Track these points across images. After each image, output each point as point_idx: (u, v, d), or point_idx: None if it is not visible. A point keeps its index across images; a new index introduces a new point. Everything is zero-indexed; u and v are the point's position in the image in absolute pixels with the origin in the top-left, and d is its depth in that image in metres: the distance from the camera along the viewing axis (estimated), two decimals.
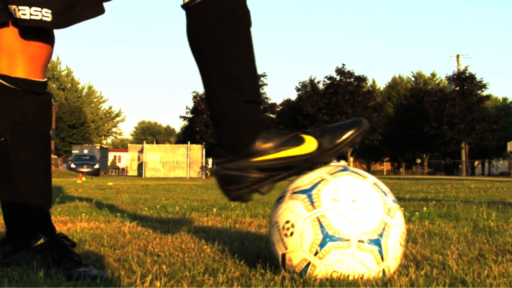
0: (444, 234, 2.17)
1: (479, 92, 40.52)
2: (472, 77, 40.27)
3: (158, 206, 4.14)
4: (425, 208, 3.87)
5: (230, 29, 1.32)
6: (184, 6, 1.34)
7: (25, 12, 1.32)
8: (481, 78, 40.40)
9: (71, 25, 1.41)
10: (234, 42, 1.32)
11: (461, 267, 1.37)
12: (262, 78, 38.80)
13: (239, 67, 1.33)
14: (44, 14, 1.33)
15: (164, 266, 1.43)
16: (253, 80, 1.36)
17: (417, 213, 3.35)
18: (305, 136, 1.32)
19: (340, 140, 1.32)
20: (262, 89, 39.21)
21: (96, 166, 34.67)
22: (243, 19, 1.35)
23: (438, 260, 1.52)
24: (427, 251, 1.71)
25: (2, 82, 1.42)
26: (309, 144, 1.31)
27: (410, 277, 1.25)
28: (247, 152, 1.30)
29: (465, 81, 40.18)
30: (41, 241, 1.46)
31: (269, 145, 1.30)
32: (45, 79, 1.50)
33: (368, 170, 52.87)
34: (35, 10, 1.32)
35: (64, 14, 1.36)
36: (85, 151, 42.00)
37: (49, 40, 1.48)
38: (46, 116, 1.50)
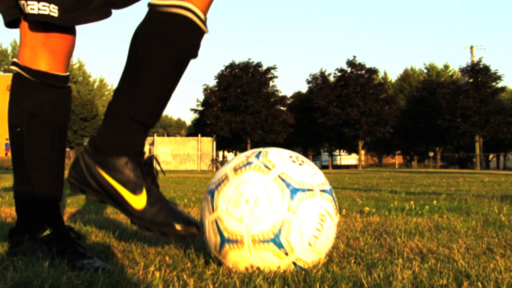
0: (453, 228, 2.14)
1: (494, 84, 39.91)
2: (486, 68, 39.64)
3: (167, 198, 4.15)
4: (435, 201, 3.84)
5: (171, 57, 1.32)
6: (151, 5, 1.32)
7: (33, 7, 1.35)
8: (496, 70, 39.73)
9: (76, 25, 1.44)
10: (165, 69, 1.33)
11: (466, 260, 1.35)
12: (272, 71, 38.73)
13: (150, 90, 1.34)
14: (52, 10, 1.35)
15: (167, 258, 1.43)
16: (156, 109, 1.36)
17: (427, 206, 3.32)
18: (143, 192, 1.34)
19: (159, 221, 1.31)
20: (273, 81, 39.11)
21: None
22: (185, 59, 1.35)
23: (444, 254, 1.50)
24: (434, 245, 1.68)
25: (23, 73, 1.45)
26: (140, 200, 1.34)
27: (413, 270, 1.24)
28: (102, 160, 1.35)
29: (479, 73, 39.59)
30: (47, 232, 1.48)
31: (117, 172, 1.34)
32: (66, 73, 1.52)
33: (380, 163, 52.59)
34: (43, 5, 1.35)
35: (71, 12, 1.37)
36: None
37: (71, 34, 1.49)
38: (63, 110, 1.52)
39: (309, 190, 1.26)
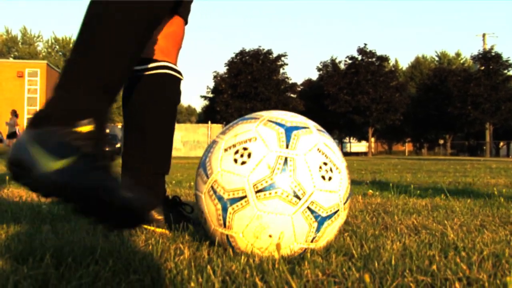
0: (450, 208, 2.17)
1: (505, 71, 39.48)
2: (498, 56, 39.20)
3: (173, 182, 4.21)
4: (439, 185, 3.86)
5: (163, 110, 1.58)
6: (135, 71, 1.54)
7: None
8: (508, 57, 39.30)
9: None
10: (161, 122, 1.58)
11: (456, 234, 1.38)
12: (282, 58, 38.58)
13: (159, 144, 1.58)
14: None
15: (167, 231, 1.48)
16: (168, 155, 1.61)
17: (430, 190, 3.34)
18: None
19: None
20: (283, 69, 38.96)
21: (118, 145, 35.13)
22: (175, 107, 1.61)
23: (437, 230, 1.53)
24: (429, 222, 1.72)
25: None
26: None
27: (404, 242, 1.27)
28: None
29: (490, 61, 39.15)
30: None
31: (158, 218, 1.53)
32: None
33: (390, 150, 52.40)
34: None
35: None
36: (107, 130, 42.55)
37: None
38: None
39: (335, 213, 1.18)
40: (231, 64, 38.42)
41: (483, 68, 39.26)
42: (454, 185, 3.96)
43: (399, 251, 1.17)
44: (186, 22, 1.60)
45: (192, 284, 0.88)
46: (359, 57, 39.96)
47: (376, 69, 38.88)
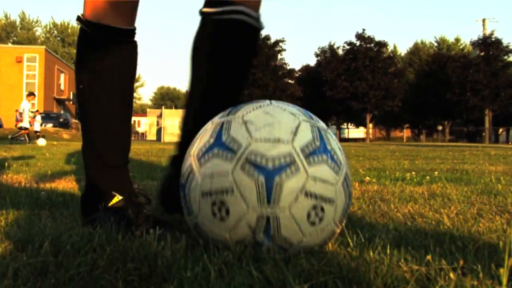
0: (447, 196, 2.18)
1: (505, 57, 39.37)
2: (498, 42, 39.05)
3: None
4: (436, 172, 3.86)
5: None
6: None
7: None
8: (508, 43, 39.17)
9: None
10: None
11: (453, 224, 1.39)
12: (280, 44, 38.40)
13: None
14: None
15: (161, 216, 1.49)
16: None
17: (428, 177, 3.35)
18: None
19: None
20: (281, 54, 38.78)
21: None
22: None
23: (433, 218, 1.54)
24: (425, 210, 1.73)
25: (85, 28, 1.36)
26: None
27: (400, 231, 1.28)
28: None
29: (490, 46, 39.01)
30: (116, 199, 1.39)
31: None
32: (132, 27, 1.41)
33: (388, 136, 52.45)
34: None
35: None
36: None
37: None
38: (128, 66, 1.43)
39: (290, 164, 1.00)
40: None
41: (482, 54, 39.13)
42: (451, 172, 3.97)
43: (394, 240, 1.18)
44: None
45: (188, 274, 0.89)
46: (358, 43, 39.83)
47: (375, 55, 38.80)
